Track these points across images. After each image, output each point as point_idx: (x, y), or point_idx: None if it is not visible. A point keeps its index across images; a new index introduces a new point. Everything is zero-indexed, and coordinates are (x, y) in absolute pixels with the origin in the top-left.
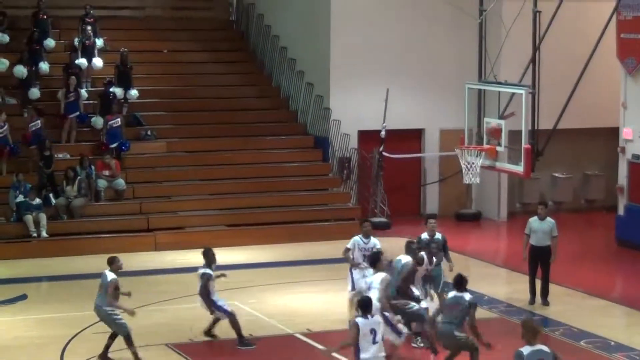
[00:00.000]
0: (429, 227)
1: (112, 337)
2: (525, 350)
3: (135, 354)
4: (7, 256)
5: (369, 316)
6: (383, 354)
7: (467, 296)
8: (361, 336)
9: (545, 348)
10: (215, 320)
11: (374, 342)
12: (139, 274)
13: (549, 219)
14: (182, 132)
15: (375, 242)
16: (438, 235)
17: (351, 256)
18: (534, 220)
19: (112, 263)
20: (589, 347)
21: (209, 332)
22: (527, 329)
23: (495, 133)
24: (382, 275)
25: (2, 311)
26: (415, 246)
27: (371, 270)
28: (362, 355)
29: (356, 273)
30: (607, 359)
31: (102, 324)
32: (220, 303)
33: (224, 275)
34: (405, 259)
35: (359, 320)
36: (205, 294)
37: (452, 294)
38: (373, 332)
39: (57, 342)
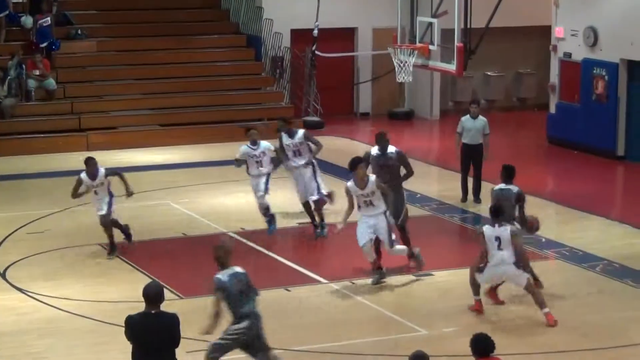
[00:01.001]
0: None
1: None
2: (223, 275)
3: None
4: None
5: (496, 225)
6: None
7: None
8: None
9: (238, 269)
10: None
11: (499, 248)
12: (72, 174)
13: (481, 117)
14: (113, 31)
15: (265, 145)
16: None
17: (245, 165)
18: (466, 119)
19: None
20: None
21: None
22: (219, 252)
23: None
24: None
25: None
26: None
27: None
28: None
29: (252, 180)
30: (538, 255)
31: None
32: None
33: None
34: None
35: (485, 227)
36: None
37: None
38: (497, 239)
39: None
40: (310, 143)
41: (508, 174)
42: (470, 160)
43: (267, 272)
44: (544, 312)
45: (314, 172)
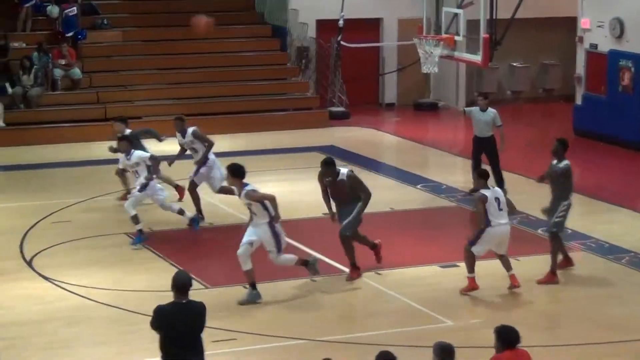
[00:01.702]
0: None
1: None
2: None
3: None
4: None
5: (490, 187)
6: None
7: None
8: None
9: None
10: None
11: (500, 208)
12: (96, 164)
13: (490, 109)
14: (138, 20)
15: (139, 155)
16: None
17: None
18: (476, 112)
19: None
20: (546, 235)
21: None
22: None
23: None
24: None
25: None
26: None
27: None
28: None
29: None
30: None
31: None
32: None
33: None
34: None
35: (484, 191)
36: None
37: None
38: (497, 200)
39: (15, 232)
40: (199, 141)
41: (566, 149)
42: (482, 152)
43: None
44: (509, 274)
45: (209, 168)
